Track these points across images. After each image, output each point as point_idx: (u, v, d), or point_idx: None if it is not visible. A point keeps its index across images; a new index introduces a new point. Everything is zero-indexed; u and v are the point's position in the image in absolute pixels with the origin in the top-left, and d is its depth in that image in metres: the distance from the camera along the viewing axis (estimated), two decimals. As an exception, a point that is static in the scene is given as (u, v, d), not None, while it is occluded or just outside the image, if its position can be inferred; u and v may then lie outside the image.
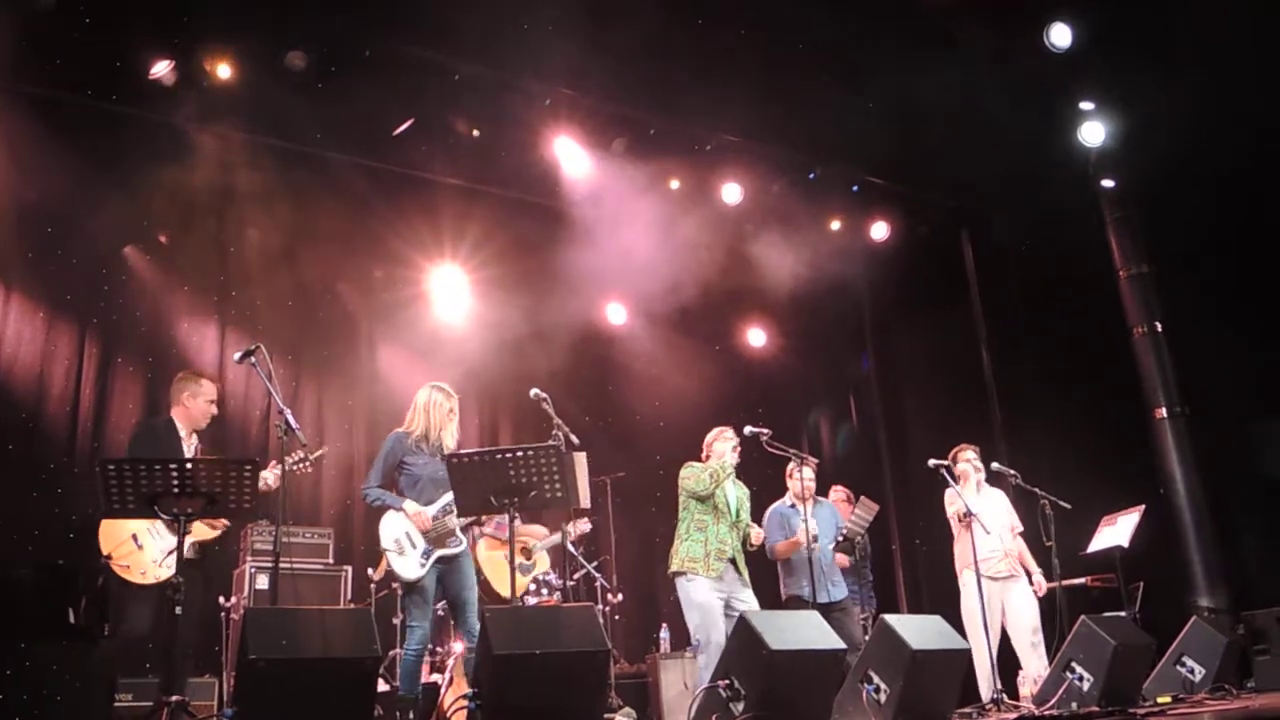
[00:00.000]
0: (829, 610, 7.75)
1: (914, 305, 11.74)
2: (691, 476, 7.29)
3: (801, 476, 8.08)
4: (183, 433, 6.50)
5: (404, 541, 6.62)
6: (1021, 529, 8.34)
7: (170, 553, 6.00)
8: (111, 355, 8.94)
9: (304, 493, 9.65)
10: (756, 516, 7.82)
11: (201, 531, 6.24)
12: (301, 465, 6.63)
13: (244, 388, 9.67)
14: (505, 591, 7.44)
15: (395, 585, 8.59)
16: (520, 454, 5.77)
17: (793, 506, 8.31)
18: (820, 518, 8.19)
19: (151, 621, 6.11)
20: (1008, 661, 7.98)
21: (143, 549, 6.06)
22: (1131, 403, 10.45)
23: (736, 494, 7.47)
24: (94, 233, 8.97)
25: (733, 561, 7.18)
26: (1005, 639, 8.02)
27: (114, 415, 8.93)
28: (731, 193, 11.36)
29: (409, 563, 6.60)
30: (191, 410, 6.56)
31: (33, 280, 8.73)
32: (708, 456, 7.46)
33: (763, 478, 9.48)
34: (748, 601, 7.13)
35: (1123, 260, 10.72)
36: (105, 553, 6.04)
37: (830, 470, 11.43)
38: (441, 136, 10.09)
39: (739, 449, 7.41)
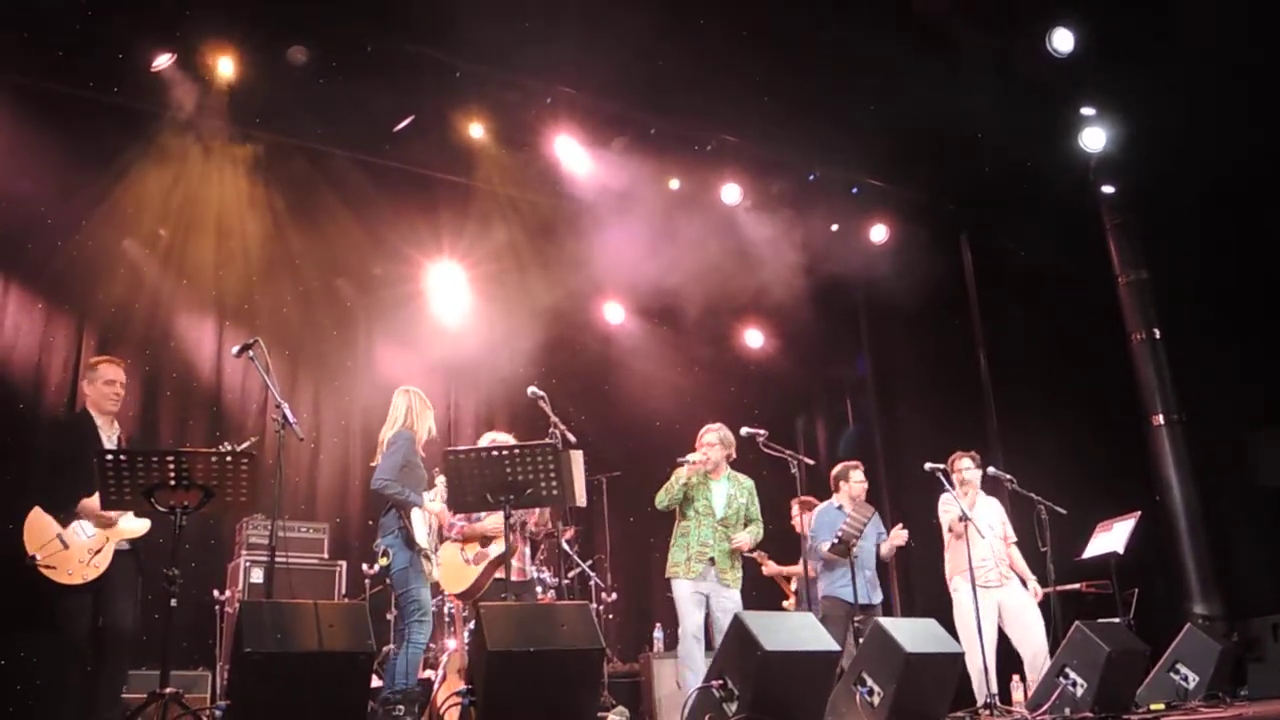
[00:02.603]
0: (869, 612, 7.82)
1: (912, 308, 11.72)
2: (663, 490, 7.32)
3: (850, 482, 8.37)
4: (99, 421, 6.32)
5: (428, 542, 6.72)
6: (1016, 539, 8.32)
7: (97, 552, 5.96)
8: (109, 348, 8.90)
9: (300, 487, 9.64)
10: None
11: (130, 529, 6.13)
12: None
13: (241, 381, 9.65)
14: (454, 589, 7.48)
15: (388, 581, 8.62)
16: (517, 451, 5.77)
17: (839, 508, 8.33)
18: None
19: (89, 624, 5.96)
20: (1001, 666, 7.98)
21: (68, 548, 5.89)
22: (1128, 409, 10.47)
23: (729, 491, 7.38)
24: (93, 225, 8.94)
25: (713, 561, 7.15)
26: (1001, 643, 8.01)
27: (111, 408, 8.91)
28: (731, 193, 11.36)
29: (430, 562, 6.74)
30: (94, 396, 6.37)
31: (31, 272, 8.71)
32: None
33: (758, 479, 9.49)
34: (730, 601, 7.12)
35: (1122, 266, 10.74)
36: (30, 553, 5.86)
37: (826, 472, 11.42)
38: (441, 134, 10.08)
39: (711, 448, 7.36)
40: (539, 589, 8.46)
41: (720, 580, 7.15)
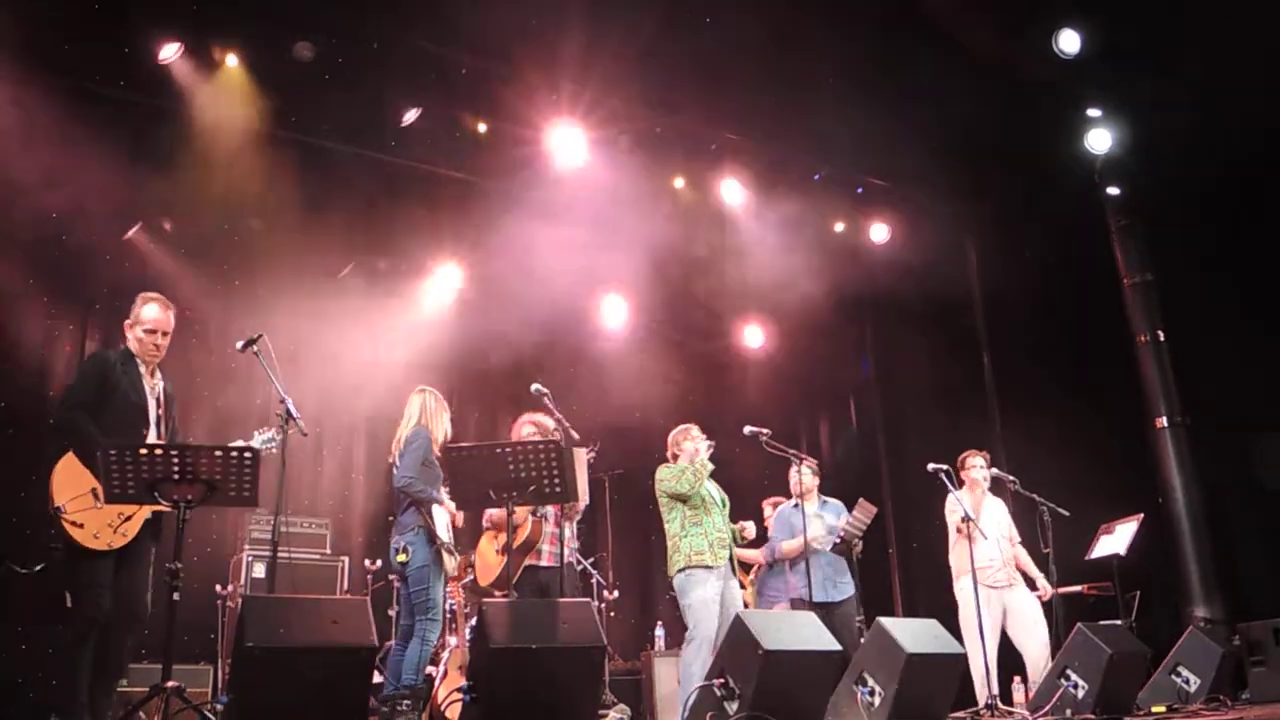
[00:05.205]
0: (830, 610, 7.76)
1: (916, 309, 11.72)
2: (672, 477, 7.22)
3: (799, 475, 8.12)
4: (143, 368, 5.82)
5: (448, 537, 6.78)
6: (1020, 540, 8.31)
7: (128, 518, 5.48)
8: (114, 342, 8.87)
9: (303, 483, 9.65)
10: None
11: None
12: (269, 446, 6.06)
13: (245, 375, 9.65)
14: (485, 580, 7.52)
15: (392, 578, 8.62)
16: (520, 448, 5.76)
17: (796, 506, 8.31)
18: (826, 517, 8.18)
19: (109, 597, 5.42)
20: (1003, 667, 7.97)
21: (100, 507, 5.32)
22: (1132, 411, 10.45)
23: (716, 481, 7.45)
24: (98, 219, 8.94)
25: (727, 549, 7.16)
26: (1003, 645, 8.01)
27: (115, 401, 8.90)
28: (734, 192, 11.35)
29: (451, 558, 6.78)
30: (134, 343, 5.83)
31: (36, 266, 8.71)
32: (675, 457, 7.42)
33: (760, 478, 9.49)
34: (736, 593, 7.13)
35: (1126, 268, 10.72)
36: (57, 504, 5.30)
37: (829, 472, 11.42)
38: (446, 130, 10.08)
39: (712, 446, 7.35)
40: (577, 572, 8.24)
41: (731, 569, 7.17)
